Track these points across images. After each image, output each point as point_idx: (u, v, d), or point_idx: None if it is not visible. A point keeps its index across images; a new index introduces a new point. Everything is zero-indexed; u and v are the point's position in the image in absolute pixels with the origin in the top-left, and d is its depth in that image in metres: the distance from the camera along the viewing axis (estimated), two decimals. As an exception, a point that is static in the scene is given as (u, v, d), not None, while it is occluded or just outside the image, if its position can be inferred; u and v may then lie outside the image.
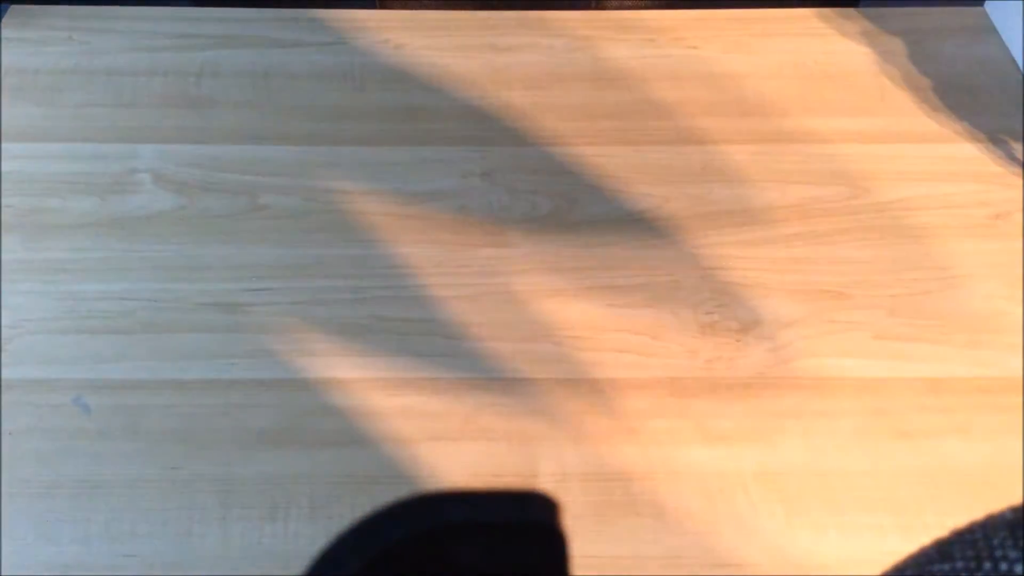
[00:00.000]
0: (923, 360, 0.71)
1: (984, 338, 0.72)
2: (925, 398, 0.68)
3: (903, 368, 0.70)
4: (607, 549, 0.61)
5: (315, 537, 0.61)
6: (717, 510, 0.63)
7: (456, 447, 0.66)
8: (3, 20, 0.98)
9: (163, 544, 0.61)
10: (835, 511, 0.63)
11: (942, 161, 0.84)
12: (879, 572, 0.31)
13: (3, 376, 0.69)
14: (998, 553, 0.26)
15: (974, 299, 0.74)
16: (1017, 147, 0.85)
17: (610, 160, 0.85)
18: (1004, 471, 0.65)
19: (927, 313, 0.73)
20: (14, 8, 0.99)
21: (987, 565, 0.26)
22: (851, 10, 1.00)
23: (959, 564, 0.27)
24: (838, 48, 0.96)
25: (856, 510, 0.63)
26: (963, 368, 0.70)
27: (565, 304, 0.74)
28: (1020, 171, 0.83)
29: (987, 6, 1.00)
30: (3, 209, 0.80)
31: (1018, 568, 0.26)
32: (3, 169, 0.83)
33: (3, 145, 0.85)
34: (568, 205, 0.81)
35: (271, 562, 0.60)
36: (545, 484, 0.64)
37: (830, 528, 0.62)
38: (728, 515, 0.63)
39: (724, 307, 0.74)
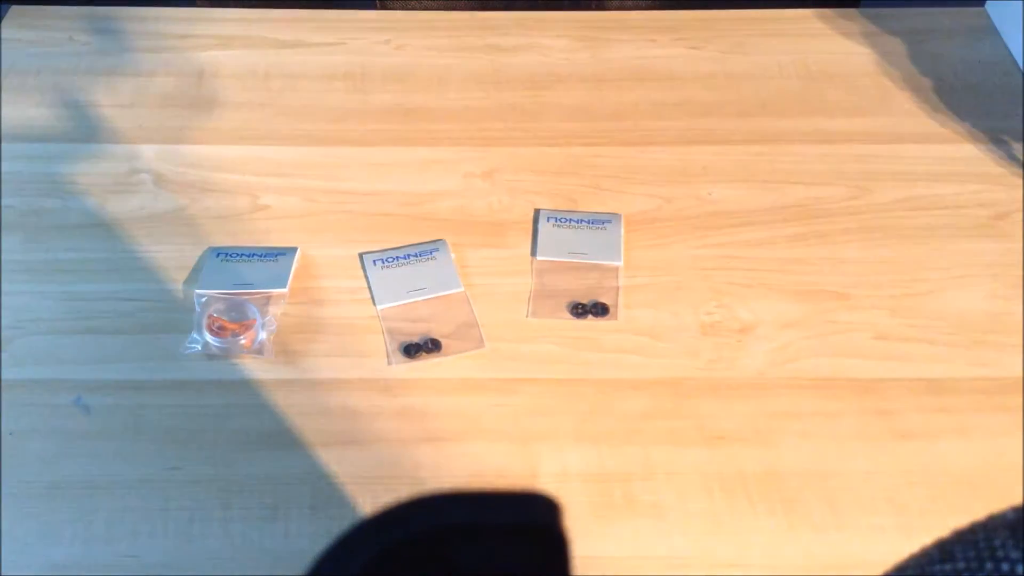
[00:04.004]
0: (923, 361, 0.71)
1: (985, 339, 0.72)
2: (925, 399, 0.68)
3: (903, 369, 0.70)
4: (608, 549, 0.61)
5: (316, 537, 0.61)
6: (718, 511, 0.63)
7: (457, 447, 0.66)
8: (4, 20, 0.98)
9: (164, 544, 0.61)
10: (835, 512, 0.63)
11: (943, 161, 0.84)
12: (880, 572, 0.31)
13: (3, 377, 0.69)
14: (1000, 553, 0.26)
15: (975, 300, 0.74)
16: (1018, 147, 0.85)
17: (611, 160, 0.85)
18: (1005, 472, 0.65)
19: (928, 314, 0.73)
20: (15, 8, 0.99)
21: (988, 565, 0.26)
22: (852, 10, 1.00)
23: (960, 564, 0.27)
24: (839, 48, 0.96)
25: (856, 511, 0.63)
26: (964, 369, 0.70)
27: (566, 304, 0.74)
28: (1021, 171, 0.83)
29: (988, 6, 1.00)
30: (4, 209, 0.80)
31: (1020, 568, 0.25)
32: (3, 169, 0.83)
33: (3, 145, 0.85)
34: (569, 206, 0.81)
35: (272, 562, 0.60)
36: (546, 484, 0.64)
37: (830, 529, 0.62)
38: (729, 515, 0.63)
39: (725, 307, 0.74)
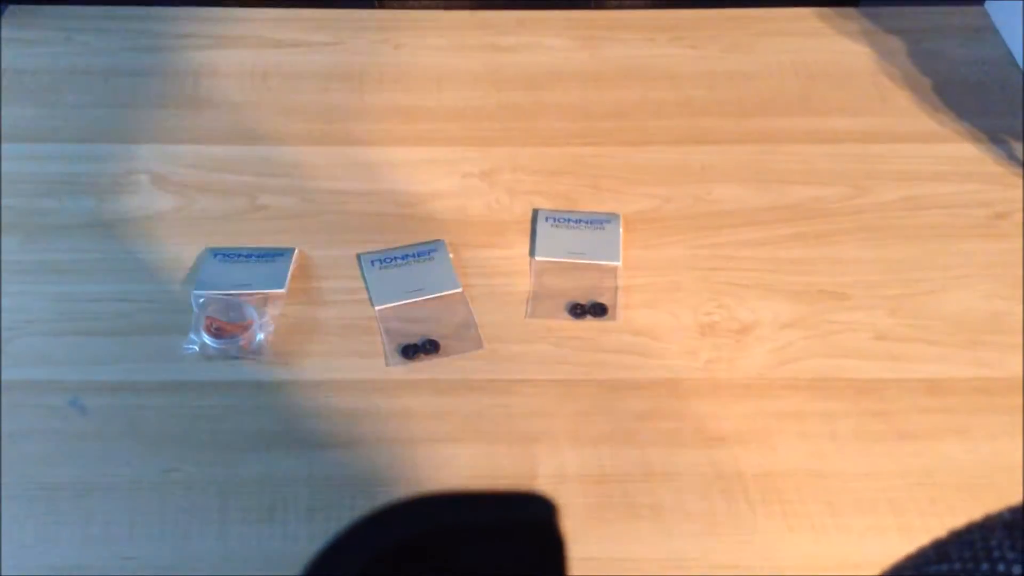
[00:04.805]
0: (923, 361, 0.70)
1: (984, 339, 0.72)
2: (925, 399, 0.68)
3: (903, 369, 0.70)
4: (606, 551, 0.61)
5: (314, 538, 0.61)
6: (716, 512, 0.63)
7: (455, 448, 0.66)
8: (2, 20, 0.98)
9: (162, 546, 0.61)
10: (835, 512, 0.63)
11: (942, 161, 0.84)
12: (877, 573, 0.31)
13: (1, 377, 0.69)
14: (996, 554, 0.26)
15: (974, 299, 0.74)
16: (1017, 146, 0.85)
17: (610, 160, 0.85)
18: (1005, 472, 0.65)
19: (927, 314, 0.73)
20: (12, 8, 0.99)
21: (984, 566, 0.26)
22: (851, 9, 1.00)
23: (957, 565, 0.27)
24: (838, 48, 0.96)
25: (856, 511, 0.63)
26: (963, 369, 0.70)
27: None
28: (1020, 171, 0.83)
29: (987, 5, 1.00)
30: (2, 210, 0.80)
31: (1016, 569, 0.25)
32: (2, 170, 0.83)
33: (1, 145, 0.85)
34: (568, 206, 0.81)
35: (269, 564, 0.60)
36: (544, 486, 0.64)
37: (830, 530, 0.62)
38: (728, 517, 0.62)
39: (724, 308, 0.74)
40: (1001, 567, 0.26)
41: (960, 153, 0.85)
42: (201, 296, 0.73)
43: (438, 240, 0.77)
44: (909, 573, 0.29)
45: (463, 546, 0.30)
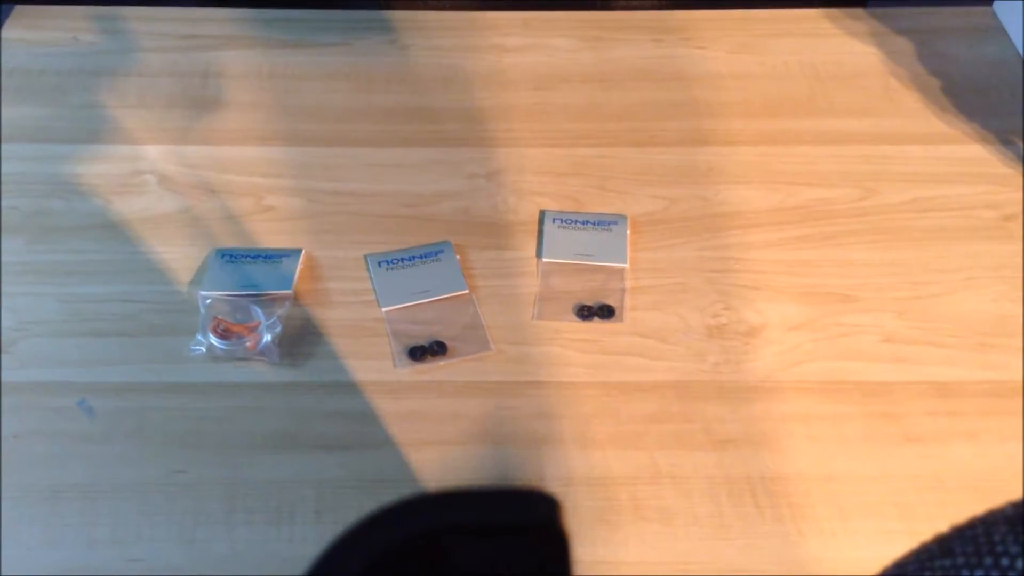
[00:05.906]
0: (931, 364, 0.70)
1: (993, 341, 0.71)
2: (933, 402, 0.68)
3: (911, 372, 0.70)
4: (613, 554, 0.61)
5: (321, 541, 0.61)
6: (724, 515, 0.62)
7: (462, 451, 0.65)
8: (7, 21, 0.98)
9: (168, 548, 0.61)
10: (843, 515, 0.62)
11: (951, 162, 0.84)
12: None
13: (6, 379, 0.69)
14: (999, 548, 0.26)
15: (983, 302, 0.74)
16: (1026, 148, 0.85)
17: (616, 161, 0.85)
18: (1013, 475, 0.64)
19: (935, 316, 0.73)
20: (18, 8, 0.99)
21: (987, 560, 0.26)
22: (859, 10, 1.00)
23: (960, 560, 0.27)
24: (845, 48, 0.96)
25: (864, 515, 0.62)
26: (971, 372, 0.70)
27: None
28: (1029, 172, 0.83)
29: (995, 6, 1.00)
30: (7, 211, 0.80)
31: (1019, 563, 0.25)
32: (7, 170, 0.83)
33: (7, 146, 0.85)
34: (575, 207, 0.81)
35: (276, 566, 0.60)
36: (551, 488, 0.64)
37: (838, 533, 0.62)
38: (736, 520, 0.62)
39: (731, 310, 0.73)
40: (1004, 561, 0.26)
41: (969, 155, 0.85)
42: (208, 297, 0.72)
43: (445, 241, 0.77)
44: (912, 568, 0.29)
45: (467, 545, 0.30)
